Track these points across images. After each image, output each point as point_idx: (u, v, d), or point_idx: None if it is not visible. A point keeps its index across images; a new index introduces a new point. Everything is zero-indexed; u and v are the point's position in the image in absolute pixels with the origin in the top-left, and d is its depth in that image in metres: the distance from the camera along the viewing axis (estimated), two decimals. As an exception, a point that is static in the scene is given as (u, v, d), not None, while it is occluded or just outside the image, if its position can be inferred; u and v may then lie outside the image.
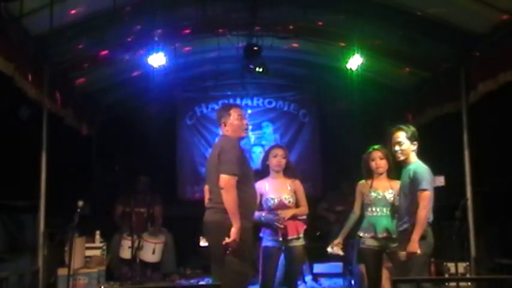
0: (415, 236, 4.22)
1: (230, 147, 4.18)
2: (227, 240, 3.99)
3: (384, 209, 4.82)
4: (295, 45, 7.62)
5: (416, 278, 4.17)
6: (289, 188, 4.89)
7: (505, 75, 5.42)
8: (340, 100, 7.80)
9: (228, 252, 4.04)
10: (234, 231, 3.99)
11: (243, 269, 4.11)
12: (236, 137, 4.32)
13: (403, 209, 4.41)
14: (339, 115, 9.05)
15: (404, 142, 4.42)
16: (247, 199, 4.20)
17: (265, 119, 9.48)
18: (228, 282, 3.98)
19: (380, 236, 4.77)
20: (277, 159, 4.91)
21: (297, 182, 4.96)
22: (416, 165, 4.37)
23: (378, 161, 4.90)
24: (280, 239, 4.74)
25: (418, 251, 4.21)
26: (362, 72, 7.06)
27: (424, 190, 4.24)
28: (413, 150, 4.44)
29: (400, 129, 4.48)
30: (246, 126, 4.42)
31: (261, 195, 4.85)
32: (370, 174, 4.97)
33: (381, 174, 4.92)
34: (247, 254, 4.15)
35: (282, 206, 4.81)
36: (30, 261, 5.94)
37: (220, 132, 4.45)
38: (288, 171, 4.96)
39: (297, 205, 4.89)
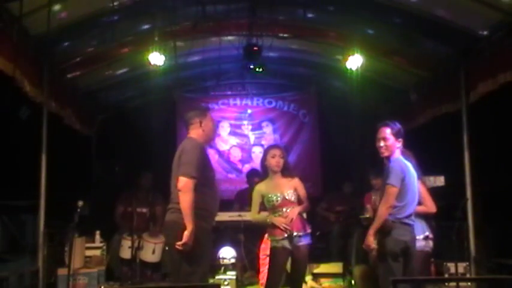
0: (371, 231, 4.24)
1: (191, 149, 4.21)
2: (179, 243, 4.02)
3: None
4: (295, 45, 7.62)
5: (417, 278, 4.18)
6: (290, 186, 4.91)
7: (505, 75, 5.41)
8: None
9: (181, 253, 4.05)
10: (186, 234, 4.02)
11: (195, 270, 4.08)
12: (204, 140, 4.38)
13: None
14: (339, 115, 9.05)
15: (390, 138, 4.37)
16: (207, 201, 4.23)
17: (265, 119, 9.49)
18: (182, 282, 4.06)
19: None
20: (276, 160, 4.93)
21: (296, 180, 4.99)
22: (394, 160, 4.33)
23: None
24: (286, 235, 4.75)
25: (373, 246, 4.23)
26: (362, 72, 7.05)
27: (389, 185, 4.21)
28: (398, 147, 4.39)
29: (386, 125, 4.44)
30: (213, 134, 4.56)
31: (262, 197, 4.87)
32: None
33: None
34: (202, 255, 4.14)
35: (286, 202, 4.83)
36: (30, 261, 5.94)
37: (188, 133, 4.44)
38: (286, 171, 4.98)
39: (299, 202, 4.91)
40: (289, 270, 5.06)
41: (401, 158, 4.38)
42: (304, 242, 4.83)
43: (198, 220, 4.09)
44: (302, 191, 4.93)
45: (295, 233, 4.77)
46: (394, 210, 4.23)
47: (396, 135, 4.39)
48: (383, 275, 4.22)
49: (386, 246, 4.21)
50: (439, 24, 5.96)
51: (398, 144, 4.39)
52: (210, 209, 4.27)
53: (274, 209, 4.84)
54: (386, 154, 4.39)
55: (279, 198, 4.82)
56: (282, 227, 4.76)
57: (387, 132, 4.39)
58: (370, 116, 8.69)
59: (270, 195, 4.85)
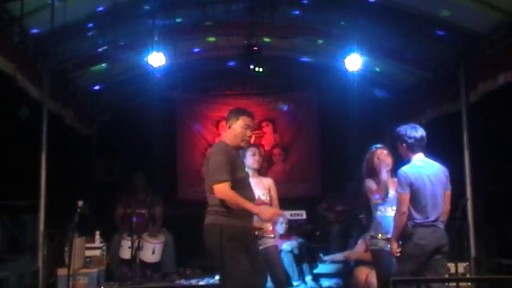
0: (392, 239, 4.41)
1: (215, 153, 4.11)
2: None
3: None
4: (295, 45, 7.62)
5: (416, 278, 4.19)
6: (264, 185, 4.96)
7: (505, 75, 5.40)
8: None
9: (221, 254, 3.94)
10: (257, 214, 4.03)
11: (237, 271, 3.92)
12: (232, 144, 4.21)
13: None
14: (339, 115, 9.05)
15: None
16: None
17: (265, 118, 9.49)
18: (225, 284, 4.00)
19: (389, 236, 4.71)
20: (256, 158, 4.96)
21: (270, 180, 5.01)
22: (401, 168, 4.45)
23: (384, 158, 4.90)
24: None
25: (396, 252, 4.36)
26: (362, 72, 7.05)
27: (398, 193, 4.38)
28: (405, 152, 4.49)
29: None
30: (247, 138, 4.27)
31: None
32: (372, 173, 4.97)
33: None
34: (242, 254, 3.99)
35: (260, 203, 4.79)
36: (30, 261, 5.93)
37: (220, 133, 4.45)
38: (261, 171, 5.03)
39: (271, 203, 4.94)
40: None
41: (416, 161, 4.41)
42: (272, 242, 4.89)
43: (237, 220, 4.01)
44: (274, 193, 4.96)
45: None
46: (413, 214, 4.31)
47: (400, 144, 4.47)
48: (399, 274, 4.28)
49: (406, 250, 4.32)
50: (439, 24, 5.96)
51: (406, 150, 4.45)
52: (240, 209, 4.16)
53: None
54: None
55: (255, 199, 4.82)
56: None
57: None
58: (371, 116, 8.71)
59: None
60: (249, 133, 4.25)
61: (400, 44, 6.63)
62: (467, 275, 5.99)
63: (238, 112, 4.30)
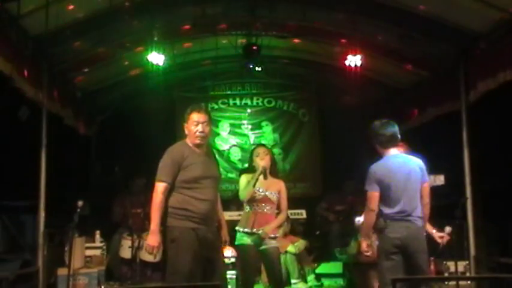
0: (361, 237, 4.42)
1: (165, 154, 4.25)
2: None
3: None
4: (295, 44, 7.62)
5: (417, 277, 4.18)
6: (275, 186, 4.96)
7: (505, 74, 5.41)
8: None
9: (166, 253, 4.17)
10: (147, 234, 4.19)
11: (176, 270, 4.07)
12: (191, 143, 4.28)
13: None
14: (339, 114, 9.05)
15: None
16: (189, 201, 4.17)
17: (265, 118, 9.49)
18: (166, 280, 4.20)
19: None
20: (259, 158, 4.92)
21: (282, 183, 5.03)
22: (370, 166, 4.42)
23: None
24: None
25: (366, 250, 4.35)
26: (361, 71, 7.05)
27: (366, 191, 4.33)
28: (378, 149, 4.44)
29: None
30: (200, 134, 4.26)
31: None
32: None
33: None
34: (183, 254, 4.09)
35: (266, 200, 4.86)
36: (30, 261, 5.93)
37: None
38: (273, 171, 5.01)
39: (278, 206, 4.95)
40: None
41: (388, 157, 4.37)
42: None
43: (180, 220, 4.13)
44: (284, 196, 4.92)
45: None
46: (384, 209, 4.25)
47: (372, 142, 4.43)
48: (379, 273, 4.29)
49: (380, 245, 4.29)
50: (439, 23, 5.96)
51: (377, 147, 4.41)
52: (193, 209, 4.17)
53: (252, 201, 4.80)
54: None
55: (261, 193, 4.80)
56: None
57: None
58: (370, 115, 8.69)
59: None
60: (200, 129, 4.23)
61: (400, 42, 6.63)
62: (467, 274, 5.99)
63: (188, 110, 4.34)
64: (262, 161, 4.82)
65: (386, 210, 4.25)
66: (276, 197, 4.85)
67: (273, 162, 4.99)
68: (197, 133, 4.23)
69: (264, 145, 5.23)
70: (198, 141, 4.25)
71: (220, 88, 9.44)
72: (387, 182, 4.26)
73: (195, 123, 4.23)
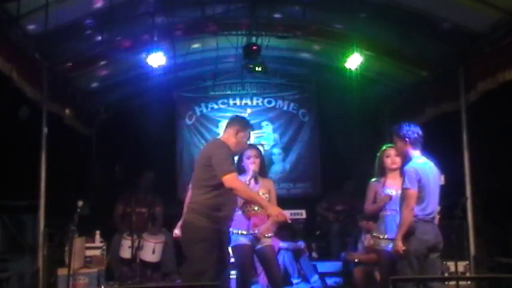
0: (398, 236, 4.30)
1: (221, 148, 4.28)
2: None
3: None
4: (295, 44, 7.62)
5: (417, 277, 4.19)
6: (266, 186, 5.01)
7: (504, 74, 5.41)
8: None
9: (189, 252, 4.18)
10: (265, 207, 4.26)
11: (202, 270, 4.07)
12: (233, 149, 4.39)
13: (400, 207, 4.46)
14: (339, 114, 9.05)
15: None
16: (220, 203, 4.23)
17: (265, 118, 9.48)
18: (189, 279, 4.21)
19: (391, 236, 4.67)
20: (250, 161, 4.95)
21: (271, 182, 5.13)
22: (408, 164, 4.43)
23: (394, 157, 4.95)
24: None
25: (402, 249, 4.26)
26: (361, 72, 7.05)
27: (406, 188, 4.30)
28: (408, 149, 4.48)
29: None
30: (243, 149, 4.61)
31: None
32: (383, 172, 4.99)
33: (394, 170, 4.94)
34: (212, 255, 4.14)
35: None
36: (30, 261, 5.93)
37: (220, 133, 4.49)
38: (262, 171, 5.08)
39: None
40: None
41: (416, 158, 4.42)
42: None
43: (211, 222, 4.16)
44: (274, 195, 4.97)
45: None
46: (417, 210, 4.28)
47: (402, 141, 4.45)
48: (402, 271, 4.26)
49: (411, 246, 4.26)
50: (439, 23, 5.96)
51: (408, 146, 4.45)
52: (223, 214, 4.25)
53: (243, 204, 4.80)
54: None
55: None
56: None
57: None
58: (370, 115, 8.70)
59: None
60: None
61: (399, 43, 6.63)
62: (467, 274, 6.00)
63: (248, 124, 4.53)
64: (252, 165, 4.85)
65: (417, 212, 4.29)
66: (266, 197, 4.87)
67: (263, 163, 5.01)
68: (244, 148, 4.57)
69: (255, 147, 5.20)
70: (239, 153, 4.63)
71: (220, 88, 9.43)
72: (423, 183, 4.32)
73: (248, 138, 4.52)
